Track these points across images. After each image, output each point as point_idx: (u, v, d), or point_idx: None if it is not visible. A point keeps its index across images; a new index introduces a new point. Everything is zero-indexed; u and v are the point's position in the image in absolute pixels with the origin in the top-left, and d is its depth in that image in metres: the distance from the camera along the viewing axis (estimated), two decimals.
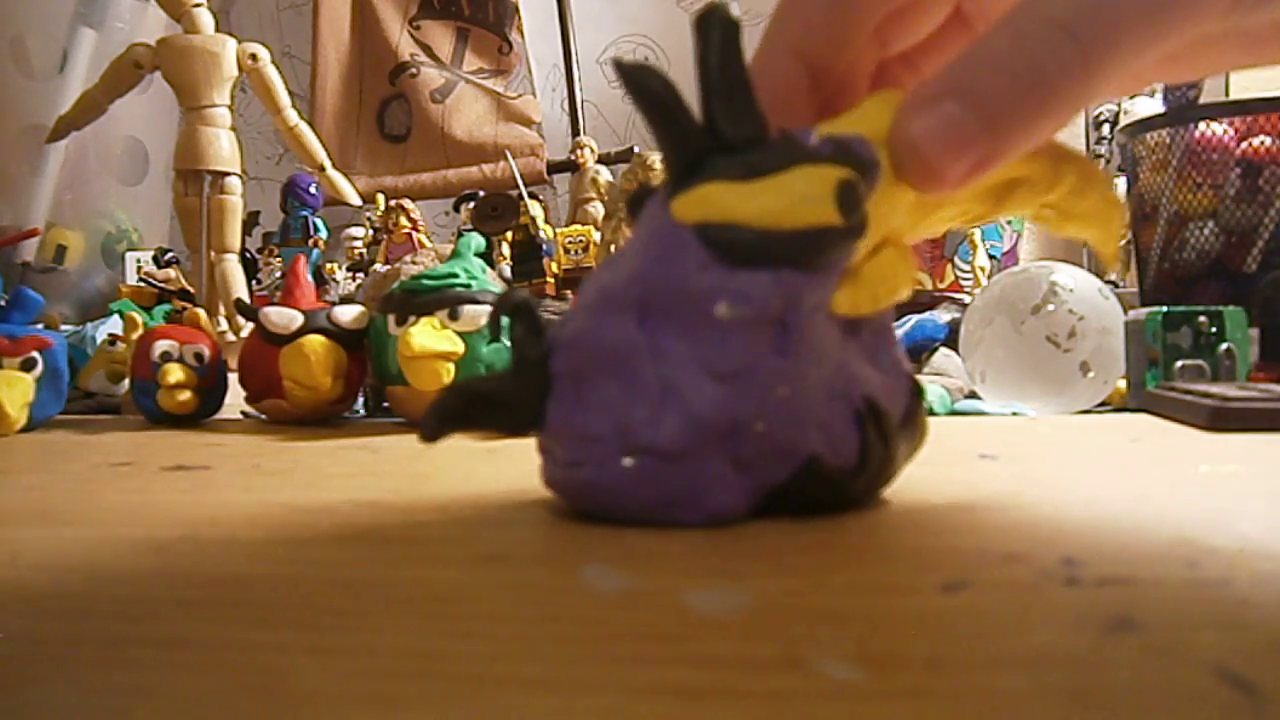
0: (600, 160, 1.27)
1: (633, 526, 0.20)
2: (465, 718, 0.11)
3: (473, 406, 0.21)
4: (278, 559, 0.19)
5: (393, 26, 1.67)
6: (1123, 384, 0.59)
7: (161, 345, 0.50)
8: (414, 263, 0.73)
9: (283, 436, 0.44)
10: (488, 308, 0.44)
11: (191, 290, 0.89)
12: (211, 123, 0.80)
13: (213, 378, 0.52)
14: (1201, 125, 0.80)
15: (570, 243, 1.01)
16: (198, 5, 0.81)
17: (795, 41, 0.22)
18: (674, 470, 0.20)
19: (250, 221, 1.38)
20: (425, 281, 0.46)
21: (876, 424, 0.21)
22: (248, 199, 0.87)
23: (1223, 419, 0.39)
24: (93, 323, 0.79)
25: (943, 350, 0.71)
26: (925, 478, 0.25)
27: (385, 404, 0.55)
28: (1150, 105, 1.05)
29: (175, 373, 0.49)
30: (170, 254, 1.11)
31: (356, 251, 1.32)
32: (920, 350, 0.71)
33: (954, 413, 0.57)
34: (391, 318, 0.47)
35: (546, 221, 1.04)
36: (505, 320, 0.21)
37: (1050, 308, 0.58)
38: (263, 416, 0.52)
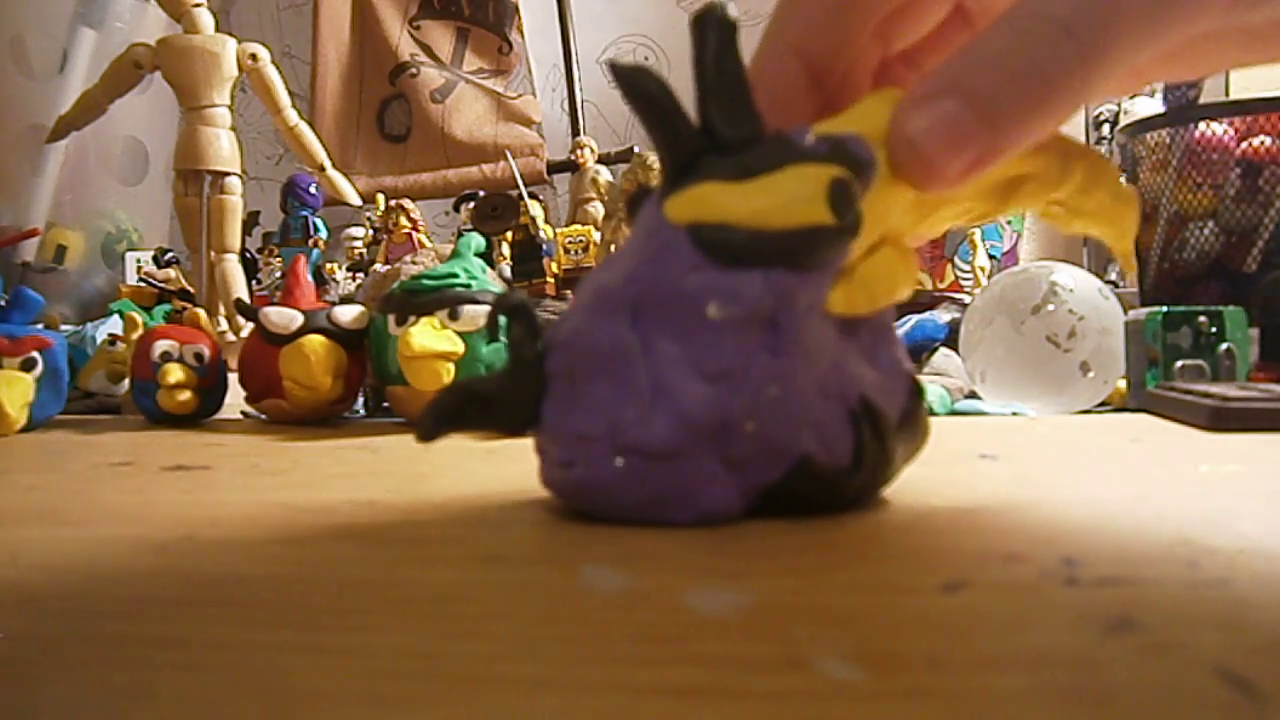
0: (600, 160, 1.27)
1: (633, 526, 0.20)
2: (465, 718, 0.11)
3: (469, 406, 0.22)
4: (278, 559, 0.19)
5: (393, 26, 1.67)
6: (1123, 384, 0.59)
7: (161, 345, 0.50)
8: (414, 263, 0.73)
9: (283, 436, 0.44)
10: (488, 308, 0.44)
11: (191, 290, 0.89)
12: (211, 123, 0.80)
13: (213, 378, 0.52)
14: (1201, 125, 0.80)
15: (570, 243, 1.01)
16: (198, 5, 0.81)
17: (795, 41, 0.22)
18: (664, 469, 0.20)
19: (250, 221, 1.38)
20: (425, 281, 0.46)
21: (872, 424, 0.21)
22: (248, 199, 0.87)
23: (1223, 419, 0.39)
24: (93, 323, 0.79)
25: (943, 350, 0.71)
26: (925, 478, 0.25)
27: (385, 404, 0.55)
28: (1150, 105, 1.05)
29: (175, 373, 0.49)
30: (170, 254, 1.11)
31: (356, 251, 1.32)
32: (920, 350, 0.71)
33: (954, 413, 0.57)
34: (391, 318, 0.47)
35: (546, 221, 1.04)
36: (502, 321, 0.22)
37: (1050, 308, 0.58)
38: (263, 416, 0.52)
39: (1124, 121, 1.00)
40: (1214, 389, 0.43)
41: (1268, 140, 0.77)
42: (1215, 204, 0.79)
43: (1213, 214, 0.79)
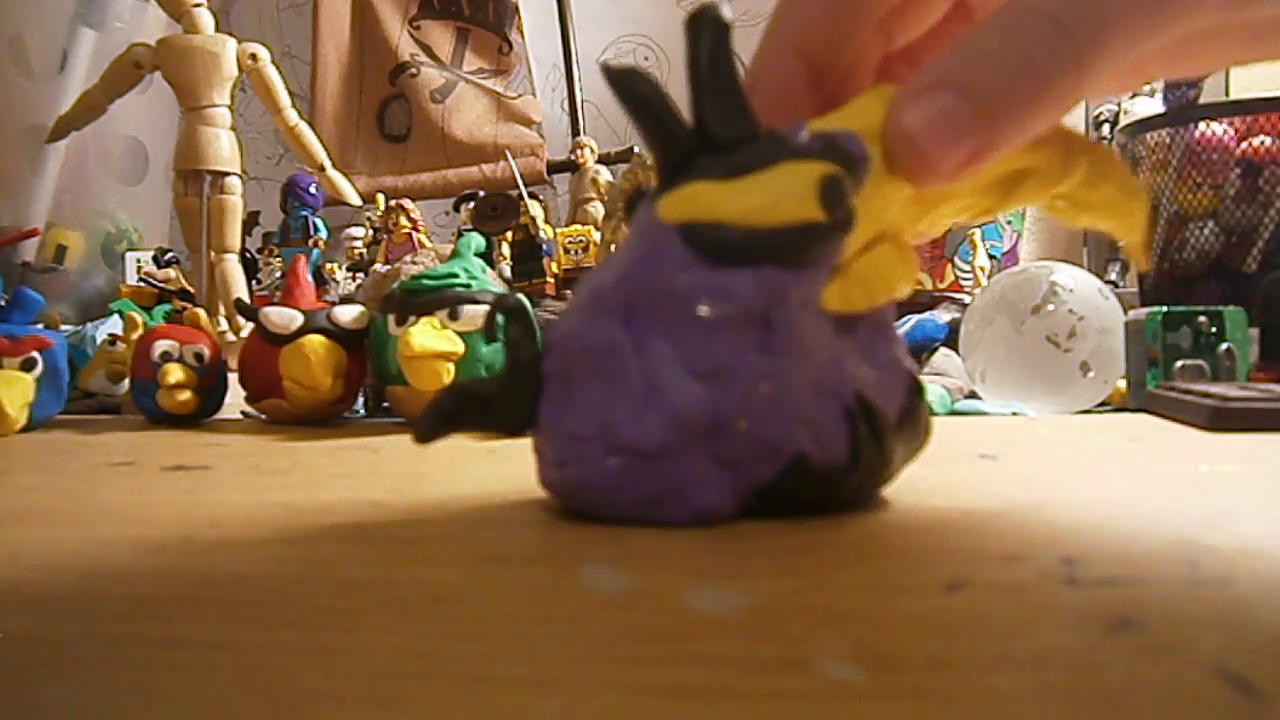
0: (600, 160, 1.27)
1: (633, 527, 0.20)
2: (465, 718, 0.11)
3: (467, 408, 0.22)
4: (278, 559, 0.19)
5: (393, 26, 1.67)
6: (1123, 384, 0.59)
7: (161, 345, 0.50)
8: (414, 263, 0.73)
9: (283, 436, 0.44)
10: (488, 308, 0.45)
11: (191, 290, 0.89)
12: (211, 123, 0.80)
13: (213, 378, 0.52)
14: (1201, 125, 0.80)
15: (570, 243, 1.01)
16: (198, 5, 0.81)
17: (795, 39, 0.22)
18: (657, 469, 0.20)
19: (250, 221, 1.38)
20: (425, 281, 0.46)
21: (869, 422, 0.20)
22: (248, 199, 0.87)
23: (1223, 419, 0.39)
24: (93, 323, 0.79)
25: (943, 350, 0.71)
26: (925, 478, 0.25)
27: (385, 404, 0.55)
28: (1150, 105, 1.05)
29: (175, 373, 0.49)
30: (170, 254, 1.11)
31: (356, 251, 1.32)
32: (920, 350, 0.71)
33: (954, 413, 0.57)
34: (391, 318, 0.47)
35: (546, 221, 1.04)
36: (500, 322, 0.22)
37: (1050, 308, 0.58)
38: (263, 416, 0.52)
39: (1124, 121, 1.00)
40: (1214, 389, 0.43)
41: (1268, 140, 0.77)
42: (1215, 204, 0.79)
43: (1213, 214, 0.79)
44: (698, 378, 0.19)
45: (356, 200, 0.96)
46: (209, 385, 0.51)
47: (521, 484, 0.26)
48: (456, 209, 1.23)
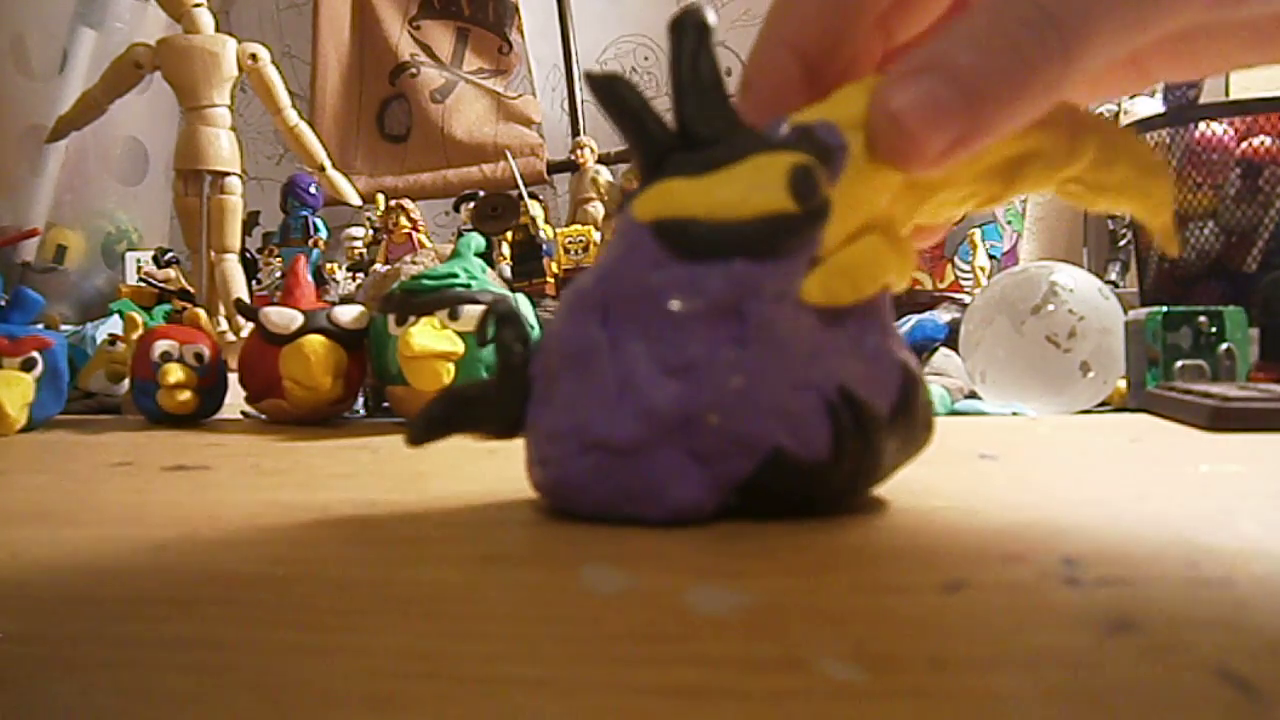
0: (600, 160, 1.27)
1: (633, 526, 0.20)
2: (465, 718, 0.11)
3: (458, 411, 0.22)
4: (278, 559, 0.19)
5: (393, 26, 1.67)
6: (1123, 384, 0.59)
7: (161, 345, 0.50)
8: (414, 263, 0.73)
9: (283, 436, 0.43)
10: (482, 310, 0.45)
11: (191, 290, 0.89)
12: (211, 123, 0.80)
13: (213, 378, 0.52)
14: (1201, 125, 0.80)
15: (570, 243, 1.01)
16: (198, 5, 0.81)
17: (790, 36, 0.22)
18: (631, 465, 0.20)
19: (250, 221, 1.38)
20: (425, 281, 0.46)
21: (854, 416, 0.20)
22: (248, 199, 0.87)
23: (1223, 419, 0.39)
24: (93, 323, 0.79)
25: (943, 350, 0.71)
26: (925, 478, 0.24)
27: (385, 404, 0.55)
28: (1150, 105, 1.05)
29: (175, 373, 0.49)
30: (170, 254, 1.11)
31: (356, 251, 1.32)
32: (920, 350, 0.71)
33: (954, 413, 0.57)
34: (391, 318, 0.47)
35: (546, 221, 1.04)
36: (491, 325, 0.22)
37: (1050, 308, 0.58)
38: (263, 416, 0.52)
39: (1124, 121, 1.00)
40: (1214, 389, 0.43)
41: (1268, 140, 0.77)
42: (1215, 204, 0.79)
43: (1213, 214, 0.79)
44: (670, 373, 0.19)
45: (356, 200, 0.96)
46: (209, 385, 0.51)
47: (521, 484, 0.26)
48: (456, 209, 1.23)
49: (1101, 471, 0.30)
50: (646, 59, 1.65)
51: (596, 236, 1.02)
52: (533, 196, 1.08)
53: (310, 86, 1.68)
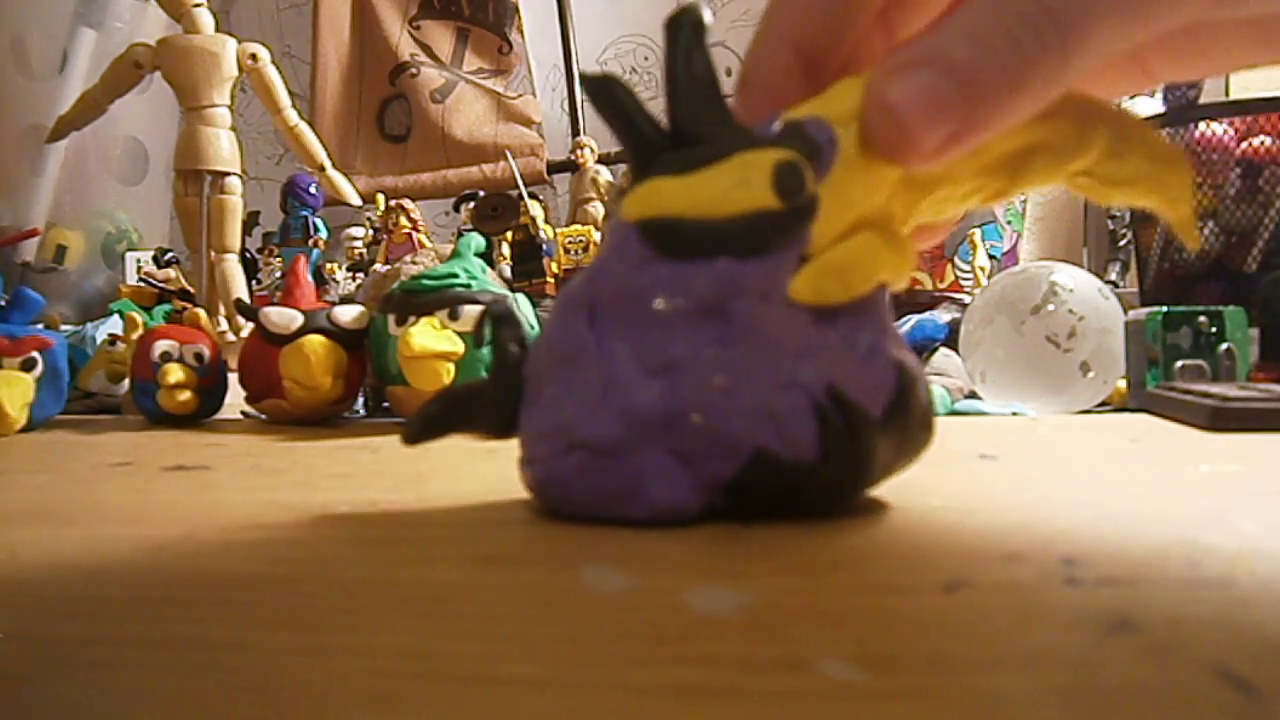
0: (600, 160, 1.27)
1: (633, 526, 0.20)
2: (465, 718, 0.11)
3: (455, 411, 0.22)
4: (278, 559, 0.19)
5: (393, 26, 1.67)
6: (1123, 384, 0.59)
7: (161, 345, 0.50)
8: (414, 263, 0.73)
9: (283, 436, 0.43)
10: (480, 311, 0.45)
11: (191, 290, 0.89)
12: (211, 123, 0.80)
13: (213, 378, 0.52)
14: (1201, 125, 0.80)
15: (570, 243, 1.01)
16: (198, 5, 0.81)
17: (789, 33, 0.22)
18: (612, 465, 0.20)
19: (250, 221, 1.38)
20: (425, 281, 0.46)
21: (843, 416, 0.19)
22: (248, 199, 0.87)
23: (1223, 419, 0.39)
24: (93, 323, 0.79)
25: (943, 350, 0.71)
26: (925, 478, 0.24)
27: (385, 404, 0.55)
28: (1150, 105, 1.05)
29: (175, 373, 0.49)
30: (170, 254, 1.11)
31: (356, 251, 1.32)
32: (920, 350, 0.71)
33: (954, 413, 0.57)
34: (391, 318, 0.47)
35: (546, 221, 1.04)
36: (488, 326, 0.22)
37: (1050, 308, 0.58)
38: (263, 416, 0.52)
39: None
40: (1214, 389, 0.43)
41: (1268, 140, 0.77)
42: (1215, 204, 0.79)
43: (1213, 214, 0.79)
44: (652, 373, 0.19)
45: (356, 200, 0.96)
46: (209, 385, 0.51)
47: (521, 484, 0.26)
48: (456, 209, 1.23)
49: (1101, 471, 0.30)
50: (646, 59, 1.65)
51: (596, 236, 1.02)
52: (533, 196, 1.08)
53: (310, 86, 1.68)
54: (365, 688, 0.11)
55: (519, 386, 0.22)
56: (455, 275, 0.46)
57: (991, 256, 1.04)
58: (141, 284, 0.97)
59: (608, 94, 0.20)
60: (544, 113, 1.61)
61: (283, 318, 0.49)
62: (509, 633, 0.14)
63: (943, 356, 0.70)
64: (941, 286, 1.00)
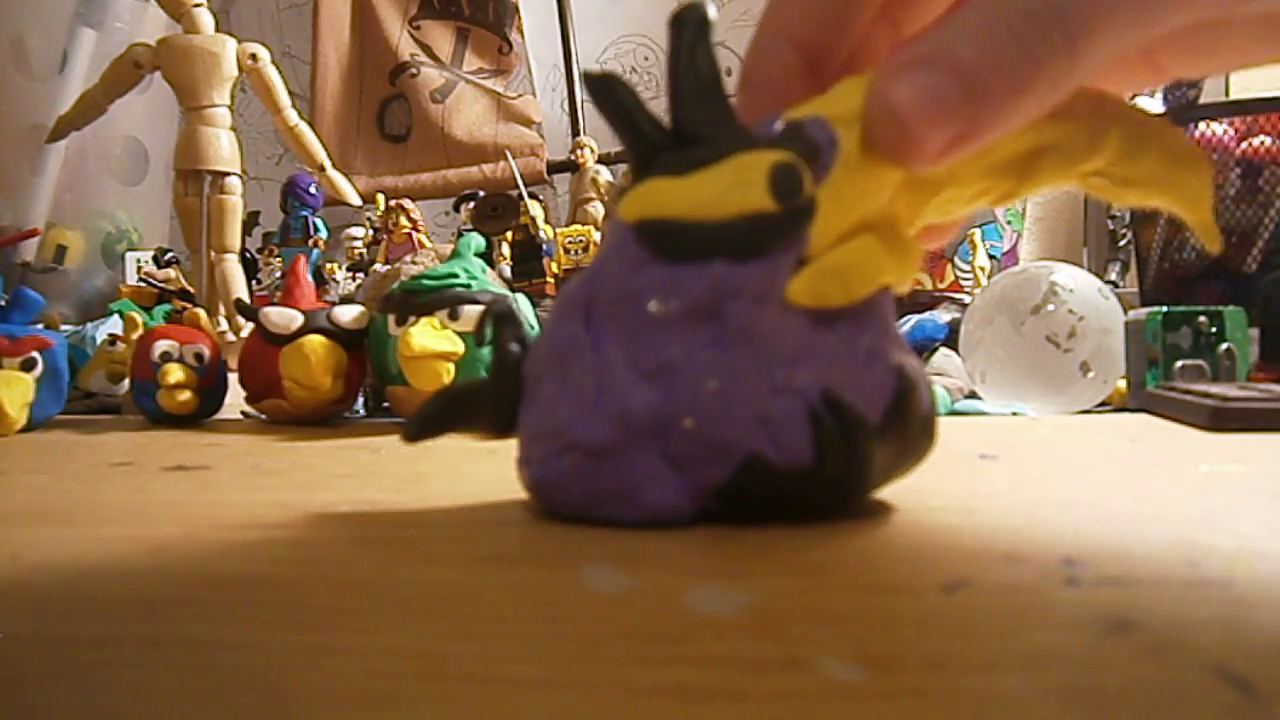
0: (600, 160, 1.27)
1: (632, 527, 0.20)
2: (465, 718, 0.11)
3: (454, 409, 0.22)
4: (277, 559, 0.19)
5: (393, 26, 1.67)
6: (1123, 384, 0.59)
7: (161, 345, 0.50)
8: (414, 263, 0.73)
9: (283, 436, 0.43)
10: (481, 310, 0.45)
11: (191, 290, 0.89)
12: (211, 123, 0.80)
13: (213, 378, 0.52)
14: (1201, 125, 0.80)
15: (570, 243, 1.01)
16: (198, 5, 0.81)
17: (790, 29, 0.21)
18: (605, 467, 0.20)
19: (250, 221, 1.38)
20: (425, 281, 0.46)
21: (839, 421, 0.19)
22: (248, 199, 0.87)
23: (1223, 419, 0.39)
24: (93, 323, 0.79)
25: (943, 350, 0.71)
26: (925, 477, 0.24)
27: (385, 404, 0.55)
28: (1150, 105, 1.05)
29: (175, 373, 0.49)
30: (170, 254, 1.11)
31: (356, 251, 1.32)
32: (920, 350, 0.71)
33: (954, 413, 0.57)
34: (391, 318, 0.47)
35: (546, 221, 1.04)
36: (489, 325, 0.22)
37: (1050, 308, 0.58)
38: (263, 416, 0.52)
39: None
40: (1214, 389, 0.43)
41: (1268, 140, 0.77)
42: (1215, 204, 0.79)
43: (1213, 214, 0.79)
44: (646, 376, 0.19)
45: (356, 200, 0.96)
46: (209, 385, 0.51)
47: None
48: (456, 209, 1.23)
49: (1101, 471, 0.30)
50: (646, 59, 1.65)
51: (596, 236, 1.02)
52: (533, 196, 1.08)
53: (310, 86, 1.68)
54: (365, 688, 0.11)
55: (518, 385, 0.22)
56: (455, 275, 0.46)
57: (991, 256, 1.04)
58: (141, 284, 0.97)
59: (609, 93, 0.20)
60: (544, 113, 1.61)
61: (283, 318, 0.49)
62: (509, 633, 0.14)
63: (943, 356, 0.70)
64: (941, 286, 1.00)
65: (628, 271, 0.20)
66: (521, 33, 1.60)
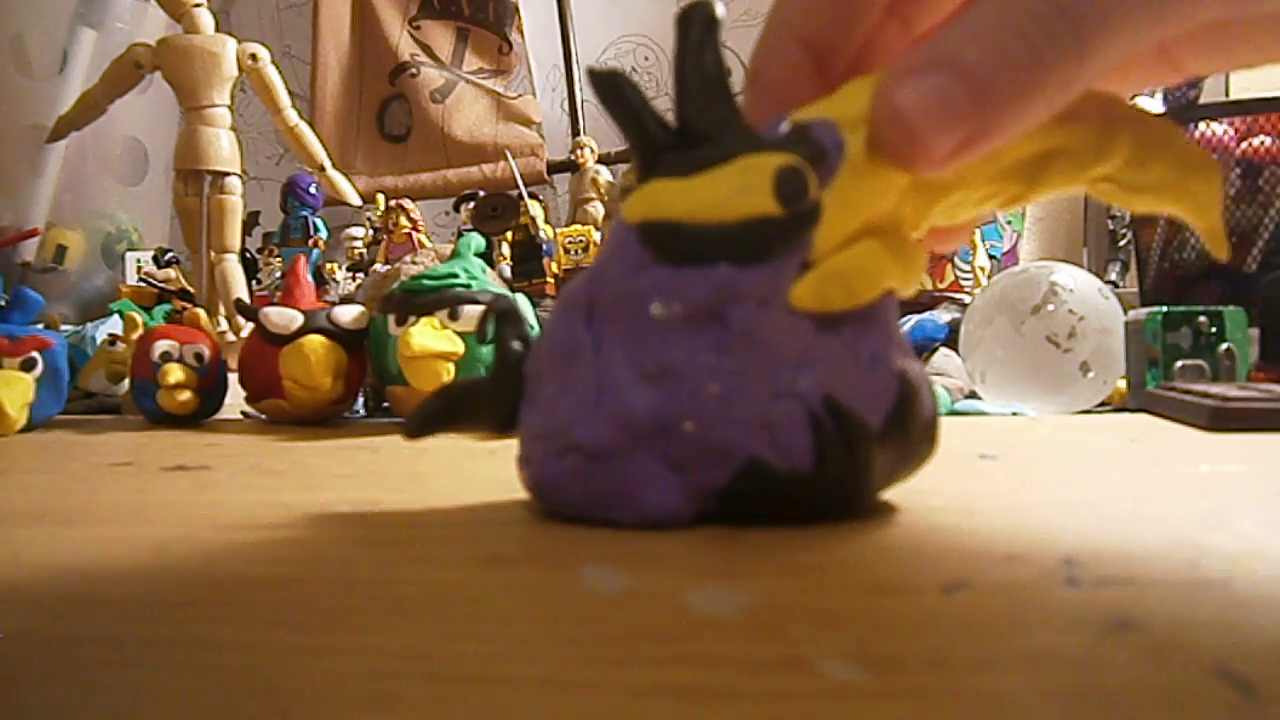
0: (600, 160, 1.27)
1: (633, 527, 0.20)
2: (465, 718, 0.11)
3: (454, 406, 0.22)
4: (277, 559, 0.19)
5: (393, 26, 1.67)
6: (1123, 384, 0.59)
7: (161, 345, 0.50)
8: (414, 263, 0.73)
9: (283, 436, 0.43)
10: (483, 309, 0.45)
11: (191, 290, 0.89)
12: (211, 123, 0.80)
13: (213, 378, 0.52)
14: (1201, 125, 0.80)
15: (570, 243, 1.01)
16: (198, 5, 0.81)
17: (798, 27, 0.21)
18: (604, 469, 0.20)
19: (250, 221, 1.38)
20: (425, 281, 0.46)
21: (839, 426, 0.19)
22: (248, 199, 0.87)
23: (1223, 419, 0.39)
24: (93, 323, 0.79)
25: (943, 350, 0.71)
26: (925, 477, 0.24)
27: (385, 404, 0.55)
28: (1150, 105, 1.05)
29: (175, 373, 0.49)
30: (170, 254, 1.11)
31: (356, 251, 1.32)
32: (920, 350, 0.71)
33: (954, 413, 0.57)
34: (391, 318, 0.47)
35: (546, 221, 1.04)
36: (491, 324, 0.22)
37: (1050, 308, 0.58)
38: (263, 416, 0.52)
39: None
40: (1214, 389, 0.43)
41: (1268, 140, 0.77)
42: None
43: None
44: (647, 379, 0.19)
45: (356, 200, 0.96)
46: (209, 385, 0.51)
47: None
48: (456, 209, 1.23)
49: (1101, 471, 0.30)
50: (647, 59, 1.65)
51: (596, 236, 1.02)
52: (533, 196, 1.08)
53: (310, 86, 1.68)
54: (365, 688, 0.11)
55: (520, 383, 0.22)
56: (455, 275, 0.46)
57: (991, 256, 1.04)
58: (141, 284, 0.97)
59: (615, 91, 0.20)
60: (544, 113, 1.60)
61: (283, 318, 0.49)
62: (509, 633, 0.14)
63: (943, 356, 0.70)
64: (941, 286, 1.00)
65: (630, 273, 0.19)
66: (521, 33, 1.60)
